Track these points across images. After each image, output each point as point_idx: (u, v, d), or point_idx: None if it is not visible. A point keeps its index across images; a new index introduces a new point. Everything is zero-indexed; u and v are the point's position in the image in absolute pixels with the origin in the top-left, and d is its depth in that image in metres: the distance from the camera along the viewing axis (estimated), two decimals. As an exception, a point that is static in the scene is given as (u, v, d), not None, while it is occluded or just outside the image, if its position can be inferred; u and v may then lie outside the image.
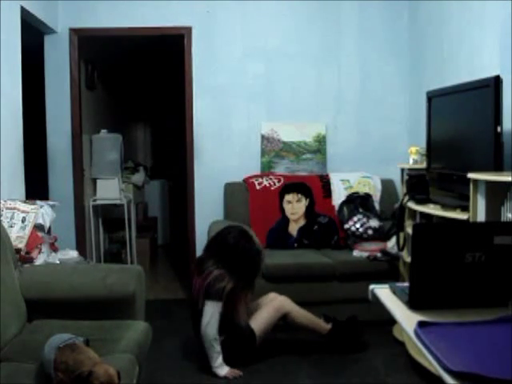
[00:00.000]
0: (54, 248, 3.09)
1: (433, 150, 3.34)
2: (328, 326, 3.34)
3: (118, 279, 2.55)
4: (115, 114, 6.40)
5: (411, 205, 3.27)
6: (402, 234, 3.49)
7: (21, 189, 3.42)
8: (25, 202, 2.98)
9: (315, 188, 4.26)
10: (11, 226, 2.77)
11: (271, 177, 4.32)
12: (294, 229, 4.16)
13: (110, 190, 4.93)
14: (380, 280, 1.90)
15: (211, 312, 3.00)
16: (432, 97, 3.33)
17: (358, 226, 3.99)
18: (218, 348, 3.04)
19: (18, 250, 2.67)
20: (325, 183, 4.30)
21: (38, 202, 3.06)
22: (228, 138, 4.50)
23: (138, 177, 6.01)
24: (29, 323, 2.41)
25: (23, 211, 2.86)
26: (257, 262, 3.14)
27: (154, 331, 2.49)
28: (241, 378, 3.04)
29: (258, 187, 4.23)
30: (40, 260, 2.84)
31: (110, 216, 5.46)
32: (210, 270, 3.05)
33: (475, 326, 1.24)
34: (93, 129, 5.04)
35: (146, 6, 4.38)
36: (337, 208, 4.21)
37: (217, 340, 3.03)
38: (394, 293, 1.49)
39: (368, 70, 4.56)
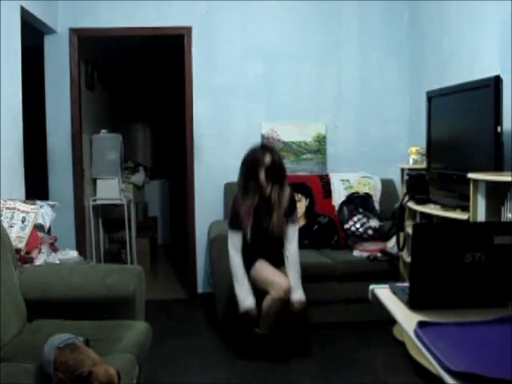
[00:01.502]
0: (53, 248, 3.09)
1: (433, 150, 3.34)
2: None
3: (118, 279, 2.55)
4: (115, 114, 6.41)
5: (411, 205, 3.27)
6: (402, 234, 3.49)
7: (21, 189, 3.42)
8: (25, 202, 2.98)
9: (315, 188, 4.26)
10: (11, 226, 2.77)
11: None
12: (293, 229, 4.16)
13: (110, 189, 4.93)
14: (380, 280, 1.90)
15: (231, 240, 3.21)
16: (432, 97, 3.33)
17: (358, 225, 3.99)
18: (241, 277, 3.14)
19: (18, 250, 2.67)
20: (325, 183, 4.30)
21: (38, 202, 3.06)
22: (228, 138, 4.50)
23: (138, 177, 6.01)
24: (29, 323, 2.41)
25: (23, 211, 2.86)
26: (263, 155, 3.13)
27: (153, 331, 2.49)
28: (241, 377, 3.05)
29: (258, 187, 4.23)
30: (40, 260, 2.84)
31: (110, 216, 5.46)
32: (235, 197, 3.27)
33: (475, 326, 1.24)
34: (93, 129, 5.04)
35: (146, 6, 4.38)
36: (337, 208, 4.21)
37: (240, 267, 3.16)
38: (394, 293, 1.49)
39: (368, 70, 4.56)
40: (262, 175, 3.12)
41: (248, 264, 3.23)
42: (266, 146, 3.24)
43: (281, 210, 3.18)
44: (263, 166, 3.12)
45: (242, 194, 3.19)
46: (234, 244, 3.21)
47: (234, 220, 3.23)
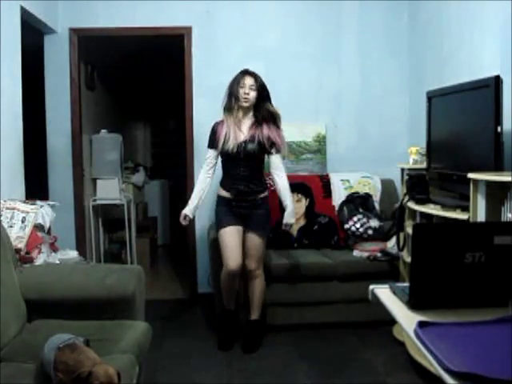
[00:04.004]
0: (53, 248, 3.09)
1: (433, 150, 3.34)
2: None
3: (117, 279, 2.55)
4: (115, 114, 6.40)
5: (411, 205, 3.27)
6: (402, 234, 3.49)
7: (21, 189, 3.42)
8: (25, 202, 2.98)
9: (315, 188, 4.26)
10: (11, 226, 2.77)
11: (271, 177, 4.31)
12: (294, 229, 4.15)
13: (110, 190, 4.92)
14: (380, 280, 1.90)
15: (206, 158, 3.45)
16: (432, 97, 3.33)
17: (358, 225, 3.99)
18: (195, 191, 3.44)
19: (17, 250, 2.67)
20: (325, 183, 4.30)
21: (38, 202, 3.06)
22: (228, 137, 4.49)
23: (138, 177, 6.00)
24: (29, 323, 2.41)
25: (23, 211, 2.86)
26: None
27: (153, 331, 2.49)
28: (241, 377, 3.05)
29: (258, 187, 4.22)
30: (40, 260, 2.84)
31: (110, 216, 5.46)
32: None
33: (475, 326, 1.24)
34: (93, 129, 5.03)
35: (146, 6, 4.38)
36: (337, 208, 4.21)
37: (199, 184, 3.45)
38: (394, 293, 1.49)
39: (368, 70, 4.56)
40: (242, 92, 3.31)
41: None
42: (247, 70, 3.41)
43: (269, 124, 3.36)
44: (244, 86, 3.32)
45: (225, 113, 3.37)
46: (207, 161, 3.43)
47: (211, 139, 3.41)
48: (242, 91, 3.32)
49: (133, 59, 6.40)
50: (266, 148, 3.35)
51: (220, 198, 3.44)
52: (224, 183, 3.42)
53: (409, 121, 4.53)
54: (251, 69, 4.43)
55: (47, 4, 4.08)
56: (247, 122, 3.38)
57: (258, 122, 3.36)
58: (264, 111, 3.35)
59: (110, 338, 2.20)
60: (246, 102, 3.33)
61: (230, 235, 3.35)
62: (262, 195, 3.42)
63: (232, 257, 3.32)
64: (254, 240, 3.40)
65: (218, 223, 3.43)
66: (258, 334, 3.51)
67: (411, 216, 3.43)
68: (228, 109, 3.37)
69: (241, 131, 3.34)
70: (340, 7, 4.52)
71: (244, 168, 3.33)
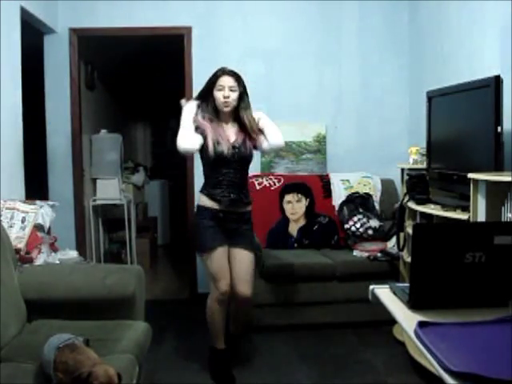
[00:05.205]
0: (53, 248, 3.09)
1: (433, 150, 3.34)
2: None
3: (117, 279, 2.54)
4: (115, 114, 6.40)
5: (411, 205, 3.27)
6: (402, 234, 3.49)
7: (21, 189, 3.42)
8: (25, 202, 2.98)
9: (315, 188, 4.26)
10: (11, 226, 2.77)
11: (271, 177, 4.32)
12: (294, 229, 4.16)
13: (110, 190, 4.93)
14: (380, 280, 1.90)
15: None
16: (432, 97, 3.33)
17: (358, 225, 3.99)
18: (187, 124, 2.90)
19: (17, 250, 2.67)
20: (325, 183, 4.30)
21: (38, 202, 3.06)
22: (228, 138, 4.49)
23: (138, 177, 6.01)
24: (28, 323, 2.41)
25: (23, 211, 2.86)
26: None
27: (153, 331, 2.49)
28: (241, 377, 3.04)
29: (257, 187, 4.23)
30: (40, 260, 2.84)
31: (110, 216, 5.46)
32: None
33: (475, 326, 1.24)
34: (93, 129, 5.04)
35: (146, 6, 4.38)
36: (337, 208, 4.21)
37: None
38: (394, 293, 1.49)
39: (368, 70, 4.56)
40: (220, 95, 2.88)
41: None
42: (225, 69, 2.93)
43: (255, 129, 2.97)
44: (223, 88, 2.88)
45: (200, 115, 2.93)
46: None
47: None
48: (220, 94, 2.88)
49: (133, 59, 6.40)
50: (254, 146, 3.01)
51: (202, 210, 2.93)
52: (211, 192, 2.91)
53: (409, 121, 4.53)
54: (251, 70, 4.46)
55: (47, 4, 4.09)
56: (231, 129, 2.98)
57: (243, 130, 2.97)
58: (248, 121, 2.95)
59: (110, 338, 2.20)
60: (226, 106, 2.90)
61: (221, 258, 2.90)
62: (250, 208, 3.04)
63: (224, 279, 2.91)
64: (245, 257, 2.96)
65: (203, 243, 2.92)
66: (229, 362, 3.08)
67: (411, 216, 3.43)
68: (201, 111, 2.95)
69: (228, 134, 2.94)
70: (340, 7, 4.52)
71: (234, 174, 2.91)
